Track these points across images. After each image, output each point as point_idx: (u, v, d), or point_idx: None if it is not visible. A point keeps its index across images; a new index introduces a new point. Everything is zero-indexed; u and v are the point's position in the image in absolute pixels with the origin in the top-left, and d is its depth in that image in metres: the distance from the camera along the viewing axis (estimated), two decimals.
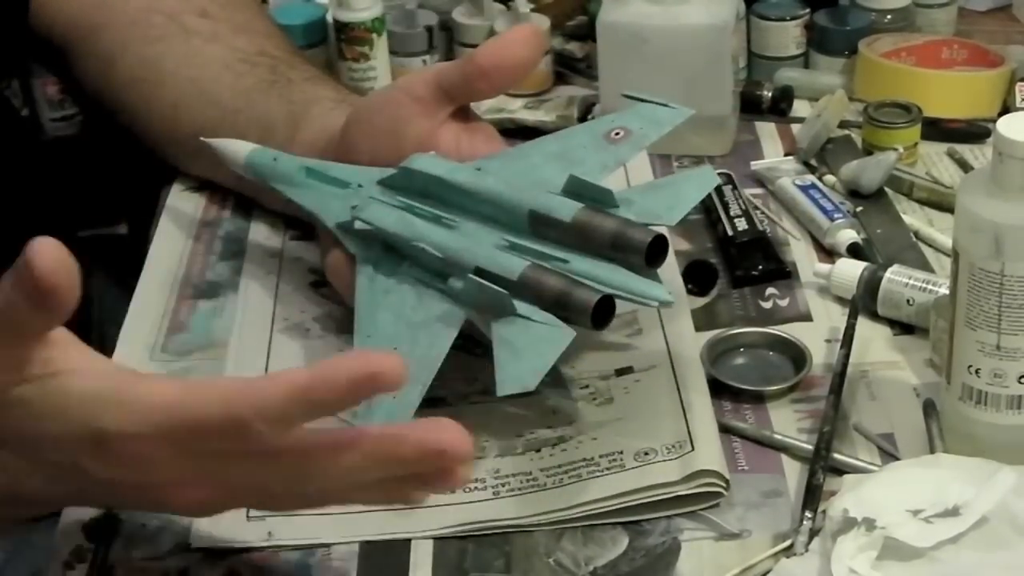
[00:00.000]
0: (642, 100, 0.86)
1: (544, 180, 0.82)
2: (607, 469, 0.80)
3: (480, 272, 0.78)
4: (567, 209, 0.79)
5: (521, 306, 0.77)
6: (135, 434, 0.63)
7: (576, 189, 0.80)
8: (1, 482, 0.69)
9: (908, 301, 0.92)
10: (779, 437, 0.84)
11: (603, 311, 0.77)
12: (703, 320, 0.94)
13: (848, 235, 1.01)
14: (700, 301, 0.96)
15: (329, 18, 1.24)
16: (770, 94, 1.19)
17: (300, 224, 1.03)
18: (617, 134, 0.85)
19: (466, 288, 0.78)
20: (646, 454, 0.80)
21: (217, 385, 0.63)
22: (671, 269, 0.95)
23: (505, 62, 0.85)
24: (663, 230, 0.79)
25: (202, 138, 0.95)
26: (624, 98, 0.87)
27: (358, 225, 0.84)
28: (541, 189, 0.81)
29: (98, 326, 1.16)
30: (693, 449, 0.80)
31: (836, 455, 0.82)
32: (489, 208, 0.82)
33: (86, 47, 1.08)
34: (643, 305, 0.78)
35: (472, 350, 0.87)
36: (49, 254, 0.60)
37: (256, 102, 1.00)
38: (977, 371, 0.78)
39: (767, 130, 1.18)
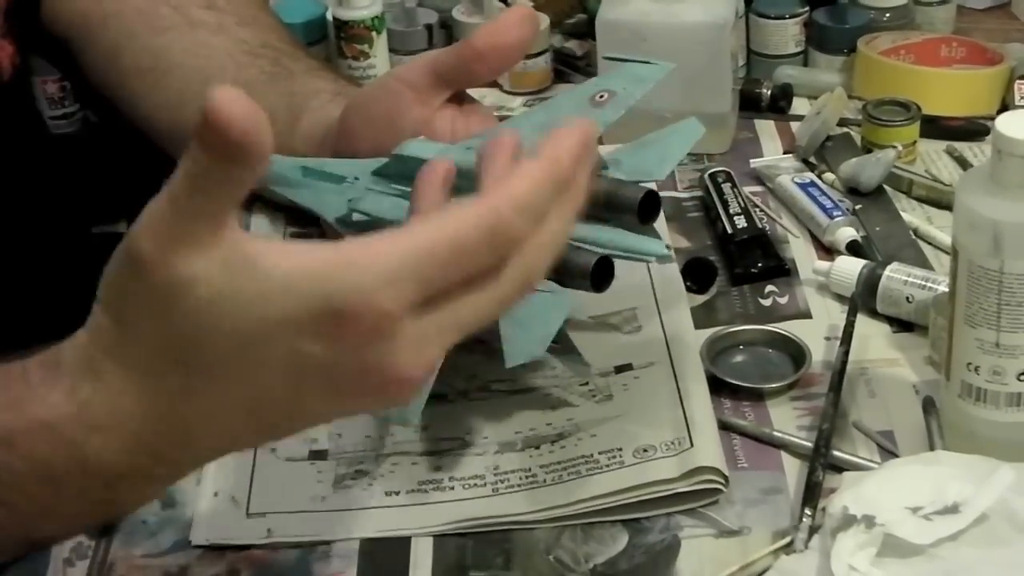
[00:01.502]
0: (624, 60, 0.87)
1: (532, 152, 0.82)
2: (606, 466, 0.80)
3: None
4: None
5: None
6: (381, 289, 0.54)
7: None
8: (165, 438, 0.60)
9: (907, 298, 0.92)
10: (778, 434, 0.84)
11: (602, 272, 0.77)
12: (702, 317, 0.94)
13: (847, 233, 1.01)
14: (699, 298, 0.96)
15: (329, 16, 1.24)
16: (769, 92, 1.19)
17: (300, 220, 1.03)
18: (601, 96, 0.85)
19: None
20: (645, 451, 0.80)
21: (455, 210, 0.55)
22: (671, 267, 0.95)
23: (501, 43, 0.85)
24: (653, 186, 0.79)
25: None
26: (607, 61, 0.88)
27: (356, 217, 0.84)
28: None
29: None
30: (692, 446, 0.80)
31: (836, 452, 0.82)
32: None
33: (92, 38, 1.08)
34: (642, 261, 0.78)
35: (471, 347, 0.87)
36: (234, 100, 0.52)
37: (256, 93, 1.00)
38: (976, 368, 0.78)
39: (766, 128, 1.18)
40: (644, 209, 0.78)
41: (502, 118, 1.14)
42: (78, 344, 0.61)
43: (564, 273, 0.77)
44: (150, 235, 0.55)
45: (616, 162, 0.80)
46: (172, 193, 0.55)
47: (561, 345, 0.84)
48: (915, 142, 1.11)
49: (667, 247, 0.78)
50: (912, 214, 1.05)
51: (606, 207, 0.78)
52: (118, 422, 0.60)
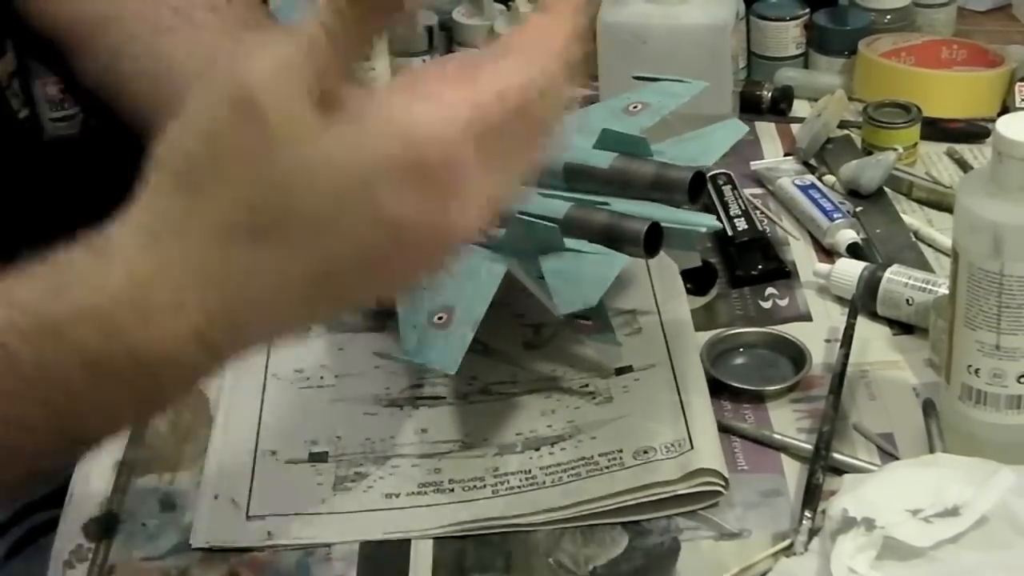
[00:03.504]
0: (655, 79, 0.87)
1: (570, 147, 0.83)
2: (606, 468, 0.80)
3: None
4: (604, 158, 0.80)
5: (569, 242, 0.77)
6: (461, 141, 0.54)
7: (609, 141, 0.81)
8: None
9: (907, 301, 0.92)
10: (779, 437, 0.84)
11: (653, 239, 0.78)
12: (703, 320, 0.94)
13: (848, 235, 1.01)
14: (700, 301, 0.96)
15: None
16: (770, 94, 1.19)
17: None
18: (635, 107, 0.86)
19: (511, 232, 0.78)
20: (645, 453, 0.80)
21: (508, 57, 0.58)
22: (671, 269, 0.95)
23: None
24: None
25: None
26: (637, 80, 0.88)
27: None
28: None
29: None
30: (692, 448, 0.80)
31: (836, 455, 0.82)
32: None
33: (92, 40, 1.08)
34: (693, 232, 0.79)
35: (470, 348, 0.87)
36: None
37: None
38: (976, 371, 0.78)
39: (767, 130, 1.18)
40: (692, 188, 0.79)
41: None
42: (134, 224, 0.59)
43: (617, 240, 0.78)
44: (268, 84, 0.54)
45: (660, 153, 0.81)
46: (300, 44, 0.55)
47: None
48: (916, 144, 1.11)
49: (717, 220, 0.79)
50: (912, 216, 1.05)
51: (653, 187, 0.79)
52: (177, 303, 0.58)
